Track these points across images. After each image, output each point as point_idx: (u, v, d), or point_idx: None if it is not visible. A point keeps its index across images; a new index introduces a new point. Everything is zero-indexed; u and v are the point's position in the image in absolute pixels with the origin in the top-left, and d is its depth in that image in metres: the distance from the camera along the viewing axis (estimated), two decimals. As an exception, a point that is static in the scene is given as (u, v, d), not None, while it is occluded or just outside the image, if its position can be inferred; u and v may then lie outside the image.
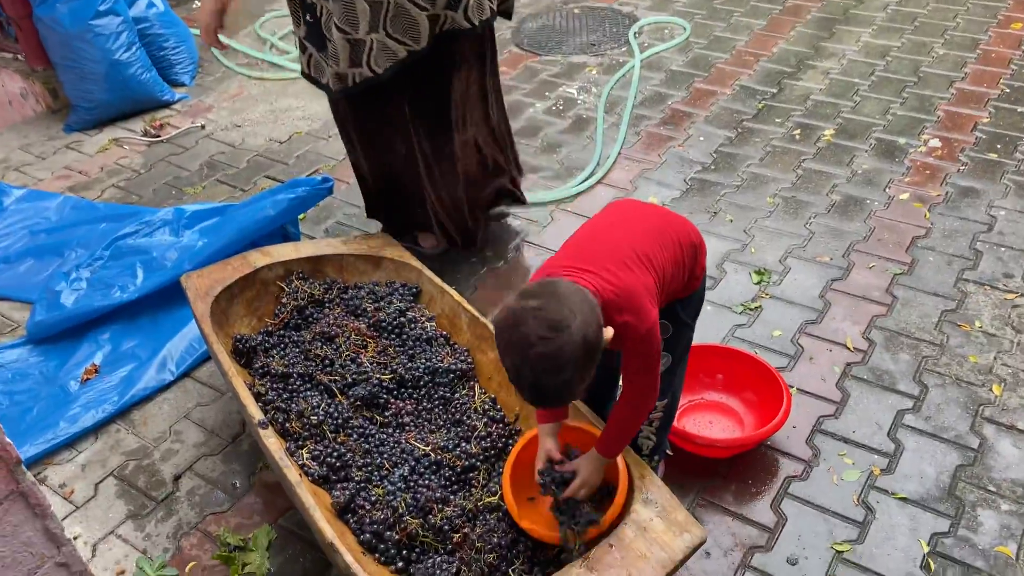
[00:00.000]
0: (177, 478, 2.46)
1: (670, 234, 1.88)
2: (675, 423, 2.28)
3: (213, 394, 2.75)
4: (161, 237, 3.32)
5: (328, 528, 1.83)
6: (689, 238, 1.92)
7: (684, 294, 1.97)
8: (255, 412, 2.15)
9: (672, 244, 1.87)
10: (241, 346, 2.49)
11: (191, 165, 4.03)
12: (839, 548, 2.14)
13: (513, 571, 1.94)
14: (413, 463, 2.18)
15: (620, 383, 2.06)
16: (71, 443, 2.58)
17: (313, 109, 4.42)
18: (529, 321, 1.51)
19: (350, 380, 2.37)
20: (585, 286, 1.66)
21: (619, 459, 1.94)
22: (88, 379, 2.79)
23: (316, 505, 1.90)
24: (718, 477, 2.36)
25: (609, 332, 1.63)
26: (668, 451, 2.29)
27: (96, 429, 2.63)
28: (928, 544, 2.14)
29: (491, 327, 2.47)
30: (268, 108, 4.49)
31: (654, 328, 1.74)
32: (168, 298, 3.01)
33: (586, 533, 1.85)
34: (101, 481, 2.46)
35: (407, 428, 2.33)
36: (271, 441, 2.06)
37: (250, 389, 2.32)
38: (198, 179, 3.92)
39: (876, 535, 2.17)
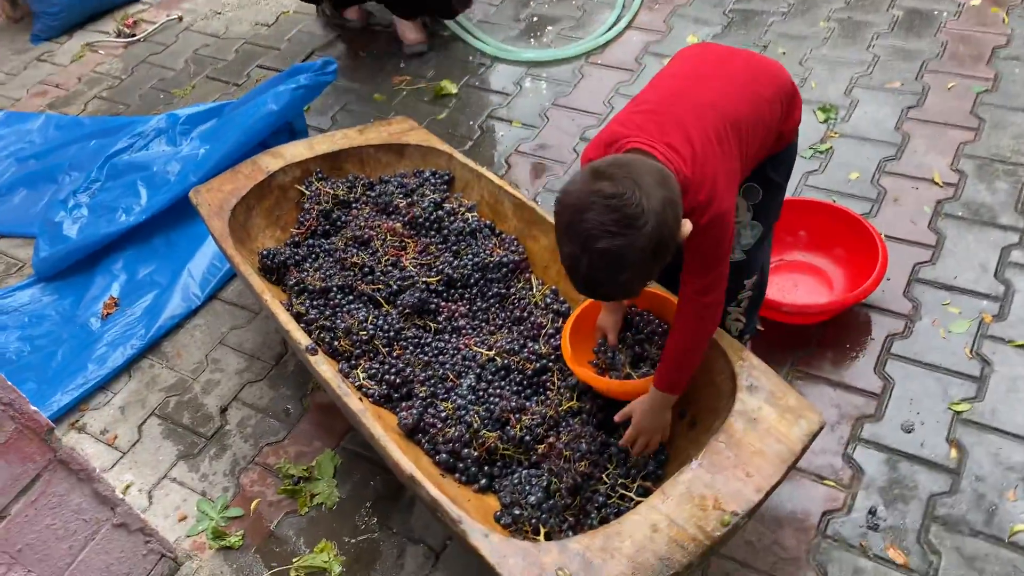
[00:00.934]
0: (224, 410, 2.28)
1: (761, 89, 1.58)
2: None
3: (246, 314, 2.53)
4: (158, 148, 3.02)
5: (405, 460, 1.64)
6: (783, 90, 1.62)
7: (775, 150, 1.69)
8: (301, 337, 1.92)
9: (763, 101, 1.57)
10: (269, 262, 2.25)
11: (175, 63, 3.66)
12: (957, 408, 1.94)
13: (608, 476, 1.77)
14: (478, 371, 1.97)
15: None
16: (104, 385, 2.39)
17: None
18: (598, 209, 1.28)
19: (395, 287, 2.13)
20: (668, 166, 1.40)
21: None
22: (109, 314, 2.57)
23: (386, 434, 1.71)
24: (811, 345, 2.14)
25: (687, 227, 1.38)
26: (759, 327, 2.07)
27: (128, 367, 2.43)
28: (1057, 393, 1.94)
29: (539, 210, 2.20)
30: (248, -12, 4.05)
31: (726, 217, 1.47)
32: (179, 215, 2.75)
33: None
34: (143, 422, 2.28)
35: (464, 332, 2.11)
36: (324, 368, 1.85)
37: (288, 310, 2.09)
38: (186, 78, 3.56)
39: (997, 389, 1.96)
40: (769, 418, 1.64)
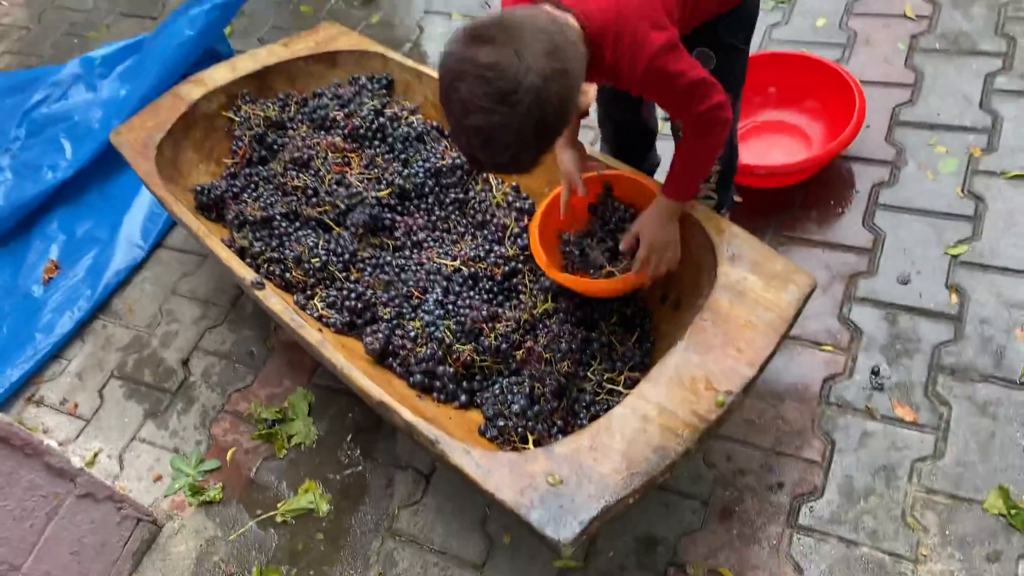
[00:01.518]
0: (185, 362, 2.14)
1: None
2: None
3: (195, 259, 2.37)
4: (77, 96, 2.80)
5: (373, 386, 1.52)
6: None
7: (724, 7, 1.50)
8: (245, 272, 1.78)
9: None
10: (205, 198, 2.07)
11: (83, 4, 3.38)
12: (954, 252, 1.83)
13: (593, 373, 1.66)
14: (444, 283, 1.83)
15: (670, 140, 1.68)
16: (56, 353, 2.25)
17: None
18: (471, 80, 1.12)
19: (343, 207, 1.97)
20: (579, 17, 1.23)
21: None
22: (51, 278, 2.41)
23: (350, 362, 1.58)
24: (794, 207, 2.01)
25: (588, 95, 1.21)
26: (736, 198, 1.93)
27: (78, 331, 2.29)
28: (1056, 221, 1.82)
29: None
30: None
31: (663, 56, 1.27)
32: (109, 165, 2.56)
33: None
34: (103, 386, 2.15)
35: (425, 245, 1.96)
36: (274, 303, 1.71)
37: (230, 247, 1.94)
38: (98, 18, 3.30)
39: (994, 226, 1.84)
40: (755, 288, 1.52)
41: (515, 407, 1.59)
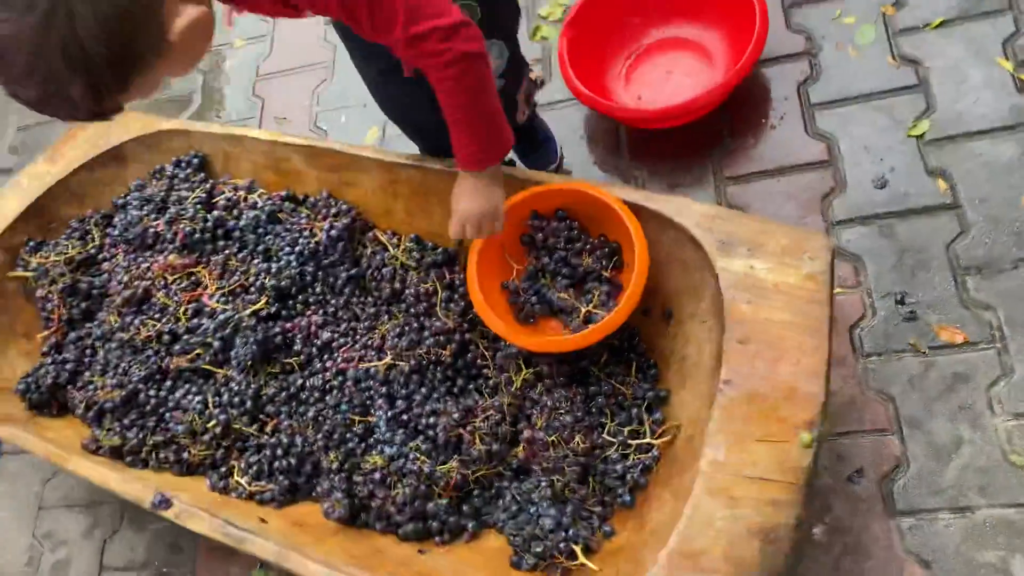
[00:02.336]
0: (97, 592, 1.68)
1: None
2: (631, 105, 1.63)
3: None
4: None
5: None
6: None
7: None
8: (136, 491, 1.33)
9: None
10: (36, 395, 1.58)
11: None
12: (916, 131, 1.60)
13: (611, 434, 1.34)
14: (383, 390, 1.46)
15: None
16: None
17: None
18: None
19: (215, 344, 1.53)
20: None
21: (619, 207, 1.29)
22: None
23: (331, 568, 1.19)
24: (723, 139, 1.73)
25: (184, 17, 0.90)
26: (530, 75, 1.58)
27: (-58, 604, 1.76)
28: (1007, 58, 1.61)
29: (339, 146, 1.62)
30: None
31: None
32: None
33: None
34: (6, 663, 1.67)
35: (335, 346, 1.57)
36: (195, 520, 1.28)
37: (96, 451, 1.48)
38: None
39: (943, 87, 1.63)
40: (768, 274, 1.23)
41: (546, 521, 1.26)
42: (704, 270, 1.29)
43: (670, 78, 1.80)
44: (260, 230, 1.65)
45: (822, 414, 1.11)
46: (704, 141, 1.72)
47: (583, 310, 1.34)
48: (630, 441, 1.34)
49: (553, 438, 1.31)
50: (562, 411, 1.33)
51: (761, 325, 1.19)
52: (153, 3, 0.87)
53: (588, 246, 1.40)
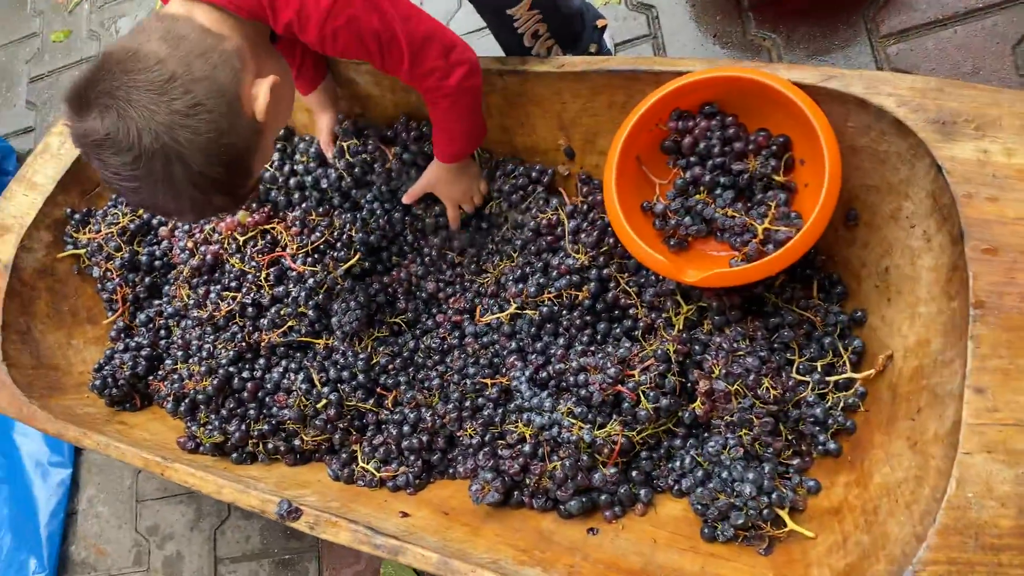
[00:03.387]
0: (218, 586, 1.54)
1: None
2: None
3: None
4: None
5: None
6: None
7: None
8: (260, 502, 1.14)
9: None
10: (115, 390, 1.39)
11: None
12: None
13: (802, 371, 1.11)
14: (514, 346, 1.24)
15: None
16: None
17: None
18: (102, 156, 0.92)
19: (311, 313, 1.31)
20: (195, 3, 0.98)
21: (791, 92, 1.03)
22: (-26, 563, 1.73)
23: (485, 564, 1.00)
24: (874, -10, 1.41)
25: (261, 98, 0.98)
26: (597, 22, 1.49)
27: (55, 611, 1.65)
28: None
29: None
30: None
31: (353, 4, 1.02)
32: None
33: None
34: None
35: (441, 299, 1.34)
36: (337, 532, 1.08)
37: (195, 450, 1.29)
38: None
39: None
40: (1011, 160, 0.95)
41: (747, 488, 1.05)
42: (914, 161, 1.02)
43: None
44: (338, 179, 1.40)
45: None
46: (846, -5, 1.41)
47: (759, 227, 1.08)
48: (826, 378, 1.11)
49: (735, 387, 1.09)
50: (741, 352, 1.10)
51: (1011, 227, 0.93)
52: (234, 108, 0.95)
53: (751, 146, 1.12)
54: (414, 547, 1.02)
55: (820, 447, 1.09)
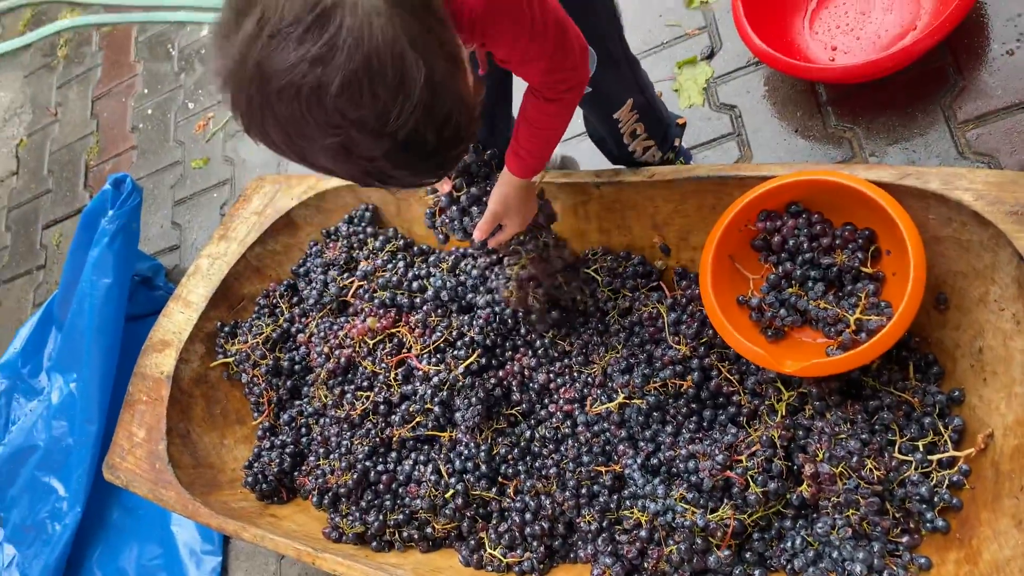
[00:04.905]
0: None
1: None
2: (824, 59, 1.42)
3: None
4: (24, 416, 2.23)
5: None
6: None
7: None
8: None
9: None
10: (265, 486, 1.55)
11: (-38, 294, 2.78)
12: None
13: (904, 451, 1.17)
14: (624, 435, 1.33)
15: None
16: None
17: (2, 100, 3.01)
18: (273, 58, 0.70)
19: (436, 408, 1.44)
20: None
21: (873, 192, 1.11)
22: (139, 645, 1.90)
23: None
24: (947, 80, 1.48)
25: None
26: (677, 121, 1.58)
27: None
28: None
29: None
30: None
31: None
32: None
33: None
34: None
35: (553, 388, 1.45)
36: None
37: (339, 539, 1.43)
38: (-14, 300, 2.70)
39: None
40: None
41: (856, 567, 1.10)
42: (996, 249, 1.09)
43: (867, 18, 1.57)
44: (454, 281, 1.55)
45: None
46: (925, 83, 1.49)
47: (852, 317, 1.16)
48: (928, 457, 1.16)
49: (840, 469, 1.15)
50: (843, 435, 1.17)
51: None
52: (462, 92, 0.81)
53: (838, 240, 1.21)
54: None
55: (928, 524, 1.13)
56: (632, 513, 1.25)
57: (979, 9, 1.49)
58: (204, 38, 2.59)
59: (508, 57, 1.03)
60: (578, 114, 1.40)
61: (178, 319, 1.71)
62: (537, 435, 1.43)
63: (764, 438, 1.20)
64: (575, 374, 1.45)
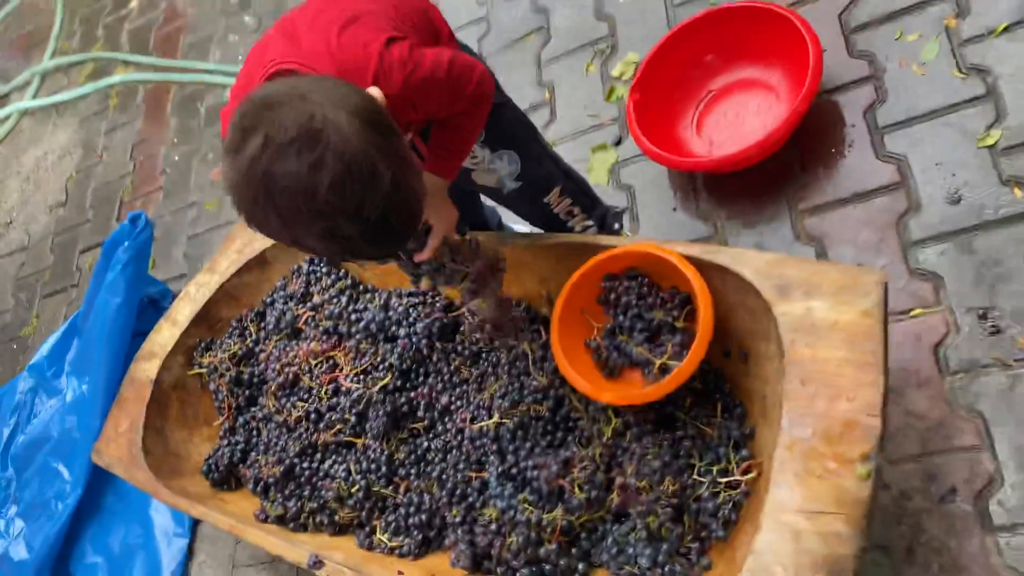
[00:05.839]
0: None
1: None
2: (703, 153, 1.74)
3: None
4: (45, 411, 2.62)
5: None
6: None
7: None
8: (295, 556, 1.58)
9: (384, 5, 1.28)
10: (217, 475, 1.89)
11: (5, 302, 3.21)
12: (988, 142, 1.60)
13: (701, 473, 1.45)
14: (495, 447, 1.63)
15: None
16: None
17: (60, 140, 3.48)
18: (274, 169, 0.94)
19: (352, 418, 1.77)
20: (288, 65, 1.13)
21: (681, 264, 1.44)
22: (111, 613, 2.23)
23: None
24: (794, 173, 1.79)
25: (375, 90, 1.07)
26: (617, 209, 1.86)
27: (166, 654, 2.11)
28: (1076, 54, 1.59)
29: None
30: (20, 179, 3.55)
31: (414, 51, 1.19)
32: (108, 464, 2.37)
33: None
34: None
35: (453, 408, 1.76)
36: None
37: (265, 520, 1.75)
38: (25, 312, 3.12)
39: (1014, 94, 1.62)
40: (826, 314, 1.30)
41: (642, 560, 1.38)
42: (767, 314, 1.38)
43: (740, 120, 1.89)
44: (383, 314, 1.88)
45: (878, 446, 1.18)
46: (777, 177, 1.79)
47: (657, 362, 1.46)
48: (719, 479, 1.44)
49: (644, 483, 1.43)
50: (650, 457, 1.46)
51: (820, 365, 1.27)
52: (415, 185, 1.04)
53: (659, 300, 1.51)
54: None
55: (713, 534, 1.41)
56: (488, 510, 1.55)
57: (826, 116, 1.79)
58: (226, 98, 3.02)
59: (436, 113, 1.30)
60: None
61: (165, 334, 2.08)
62: (433, 446, 1.74)
63: (591, 455, 1.50)
64: (471, 398, 1.76)
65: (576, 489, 1.48)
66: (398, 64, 1.16)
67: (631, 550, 1.42)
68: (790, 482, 1.20)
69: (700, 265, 1.45)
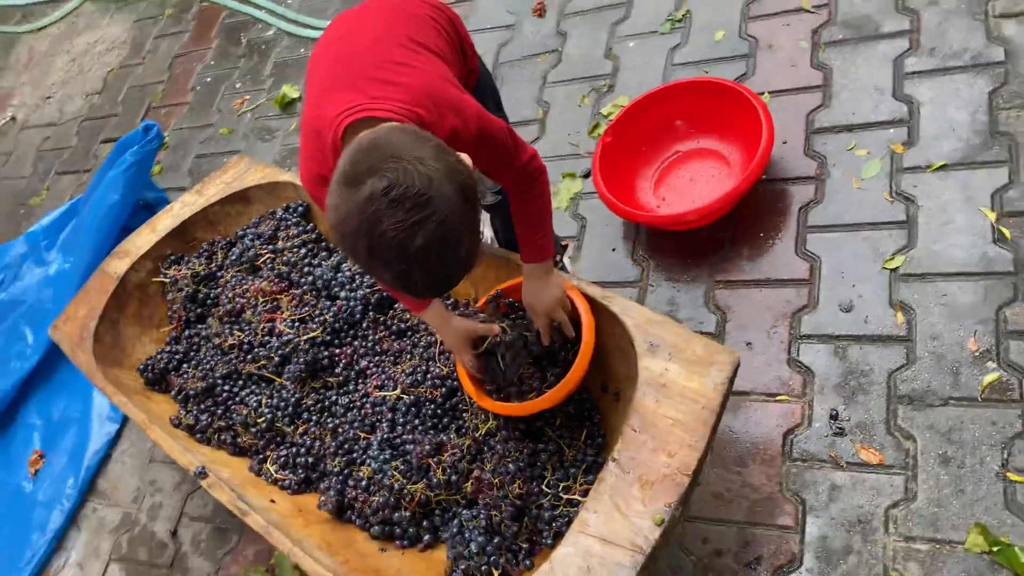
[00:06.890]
0: (174, 533, 2.16)
1: (414, 10, 1.48)
2: (651, 206, 1.90)
3: (166, 421, 2.38)
4: (29, 277, 2.84)
5: (320, 571, 1.51)
6: (436, 9, 1.52)
7: (468, 86, 1.56)
8: (187, 461, 1.78)
9: (424, 20, 1.47)
10: (151, 374, 2.09)
11: (24, 169, 3.43)
12: (892, 265, 1.75)
13: (548, 486, 1.62)
14: (390, 416, 1.81)
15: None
16: (57, 544, 2.29)
17: (112, 33, 3.69)
18: (386, 213, 1.06)
19: (277, 358, 1.96)
20: (397, 116, 1.23)
21: (572, 293, 1.61)
22: (37, 470, 2.45)
23: (304, 532, 1.57)
24: (724, 246, 1.94)
25: (467, 157, 1.18)
26: (561, 243, 2.05)
27: (73, 517, 2.32)
28: (992, 208, 1.72)
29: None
30: (68, 59, 3.76)
31: (482, 114, 1.36)
32: (69, 341, 2.58)
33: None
34: (104, 572, 2.18)
35: (369, 372, 1.94)
36: (217, 491, 1.70)
37: (178, 426, 1.94)
38: (38, 182, 3.34)
39: (928, 227, 1.76)
40: (678, 378, 1.47)
41: (473, 546, 1.56)
42: (636, 363, 1.54)
43: (693, 185, 2.04)
44: (335, 277, 2.06)
45: (680, 501, 1.34)
46: (708, 245, 1.95)
47: (541, 387, 1.63)
48: (562, 495, 1.61)
49: (497, 480, 1.61)
50: (509, 460, 1.63)
51: (658, 419, 1.43)
52: (478, 249, 1.18)
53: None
54: (255, 514, 1.61)
55: (543, 542, 1.58)
56: (364, 469, 1.74)
57: (768, 202, 1.94)
58: (267, 36, 3.20)
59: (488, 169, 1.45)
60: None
61: (142, 239, 2.27)
62: (340, 401, 1.92)
63: (461, 445, 1.67)
64: (385, 368, 1.94)
65: (440, 470, 1.66)
66: (480, 128, 1.34)
67: (467, 534, 1.60)
68: (600, 509, 1.38)
69: (595, 306, 1.61)
